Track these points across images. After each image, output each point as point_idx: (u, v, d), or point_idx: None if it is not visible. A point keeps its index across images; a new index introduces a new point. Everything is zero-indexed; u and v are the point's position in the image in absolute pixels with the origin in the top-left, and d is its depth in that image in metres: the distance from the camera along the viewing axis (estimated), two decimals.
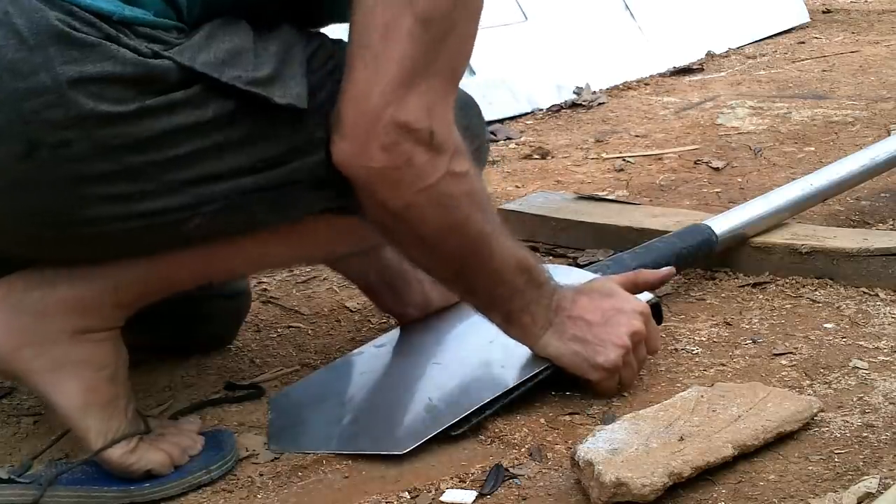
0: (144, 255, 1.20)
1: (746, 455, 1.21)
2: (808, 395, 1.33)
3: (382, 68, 1.15)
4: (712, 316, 1.62)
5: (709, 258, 1.74)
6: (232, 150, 1.15)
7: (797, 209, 1.84)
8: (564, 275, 1.56)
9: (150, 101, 1.10)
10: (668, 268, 1.52)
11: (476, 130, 1.38)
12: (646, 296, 1.48)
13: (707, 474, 1.17)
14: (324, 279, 1.85)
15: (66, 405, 1.20)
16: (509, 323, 1.34)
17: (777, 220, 1.79)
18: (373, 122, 1.15)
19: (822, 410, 1.29)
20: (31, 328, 1.19)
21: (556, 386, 1.41)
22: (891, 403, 1.33)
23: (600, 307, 1.36)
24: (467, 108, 1.37)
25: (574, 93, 3.12)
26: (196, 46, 1.13)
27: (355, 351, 1.52)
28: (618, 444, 1.18)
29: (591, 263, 1.76)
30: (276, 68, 1.16)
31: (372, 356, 1.48)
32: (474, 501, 1.19)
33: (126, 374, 1.25)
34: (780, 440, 1.24)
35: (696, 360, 1.49)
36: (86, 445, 1.21)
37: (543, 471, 1.23)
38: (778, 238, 1.75)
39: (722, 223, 1.73)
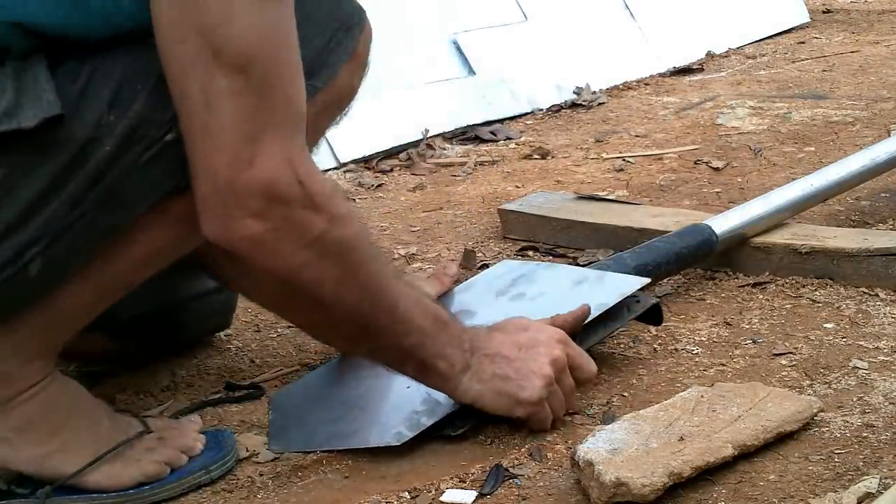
0: (17, 313, 1.14)
1: (746, 455, 1.21)
2: (808, 395, 1.33)
3: (218, 137, 1.07)
4: (712, 316, 1.62)
5: (709, 258, 1.74)
6: (16, 189, 1.08)
7: (797, 209, 1.84)
8: (563, 274, 1.56)
9: None
10: (583, 305, 1.40)
11: (339, 17, 1.28)
12: (649, 300, 1.47)
13: (707, 474, 1.17)
14: None
15: (26, 469, 1.19)
16: (424, 372, 1.27)
17: (777, 220, 1.79)
18: (232, 194, 1.08)
19: (823, 410, 1.29)
20: None
21: None
22: (891, 403, 1.33)
23: (516, 341, 1.29)
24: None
25: (574, 93, 3.12)
26: None
27: None
28: (618, 444, 1.18)
29: (590, 263, 1.77)
30: (14, 91, 1.06)
31: None
32: (474, 501, 1.19)
33: (83, 403, 1.23)
34: (781, 440, 1.24)
35: (696, 360, 1.49)
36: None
37: (543, 471, 1.23)
38: (778, 238, 1.75)
39: (722, 223, 1.73)
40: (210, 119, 1.07)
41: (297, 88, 1.11)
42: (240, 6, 1.06)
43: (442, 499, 1.20)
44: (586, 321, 1.41)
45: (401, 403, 1.33)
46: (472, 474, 1.24)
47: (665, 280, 1.72)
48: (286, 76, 1.10)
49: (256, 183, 1.08)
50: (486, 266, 1.85)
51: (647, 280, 1.50)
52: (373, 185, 2.41)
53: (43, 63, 1.09)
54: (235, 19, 1.06)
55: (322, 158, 2.48)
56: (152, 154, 1.11)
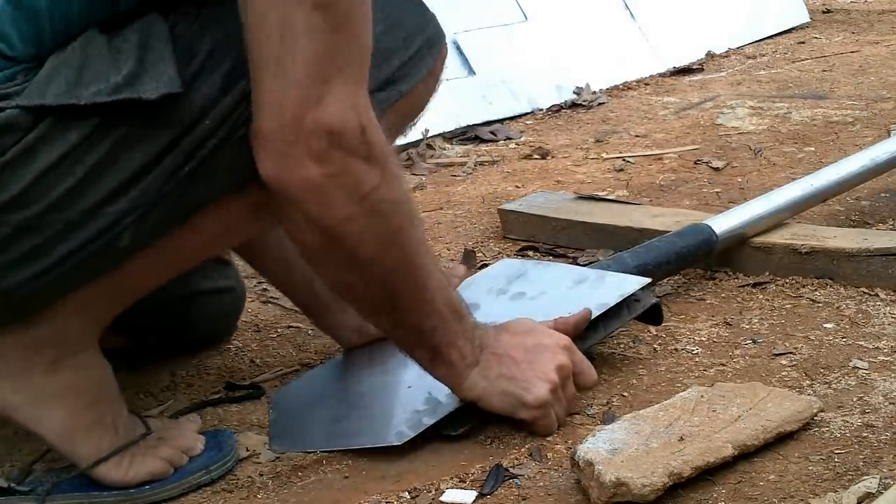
0: (96, 279, 1.16)
1: (746, 455, 1.21)
2: (808, 396, 1.33)
3: (290, 72, 1.06)
4: (712, 316, 1.62)
5: (709, 258, 1.74)
6: (123, 157, 1.09)
7: (797, 209, 1.84)
8: (564, 274, 1.56)
9: (7, 155, 1.06)
10: (584, 308, 1.41)
11: (425, 34, 1.29)
12: (649, 299, 1.47)
13: (707, 474, 1.17)
14: None
15: (50, 436, 1.20)
16: (436, 360, 1.26)
17: (777, 220, 1.79)
18: (296, 132, 1.07)
19: (822, 410, 1.29)
20: (6, 366, 1.17)
21: None
22: (891, 403, 1.33)
23: (523, 344, 1.30)
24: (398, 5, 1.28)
25: (574, 93, 3.12)
26: (43, 81, 1.07)
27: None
28: (618, 444, 1.18)
29: (590, 263, 1.77)
30: (137, 60, 1.07)
31: (371, 351, 1.48)
32: (474, 501, 1.19)
33: (112, 388, 1.24)
34: (781, 440, 1.24)
35: (696, 360, 1.49)
36: (78, 466, 1.21)
37: (543, 471, 1.23)
38: (778, 238, 1.75)
39: (722, 223, 1.73)
40: (284, 52, 1.05)
41: (368, 37, 1.10)
42: None
43: (442, 499, 1.20)
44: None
45: (402, 403, 1.33)
46: (472, 474, 1.24)
47: (665, 280, 1.72)
48: (362, 23, 1.09)
49: (322, 124, 1.07)
50: (486, 266, 1.85)
51: (648, 280, 1.50)
52: None
53: (165, 31, 1.09)
54: None
55: None
56: (244, 133, 1.11)
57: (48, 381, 1.19)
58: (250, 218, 1.21)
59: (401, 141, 2.59)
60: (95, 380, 1.22)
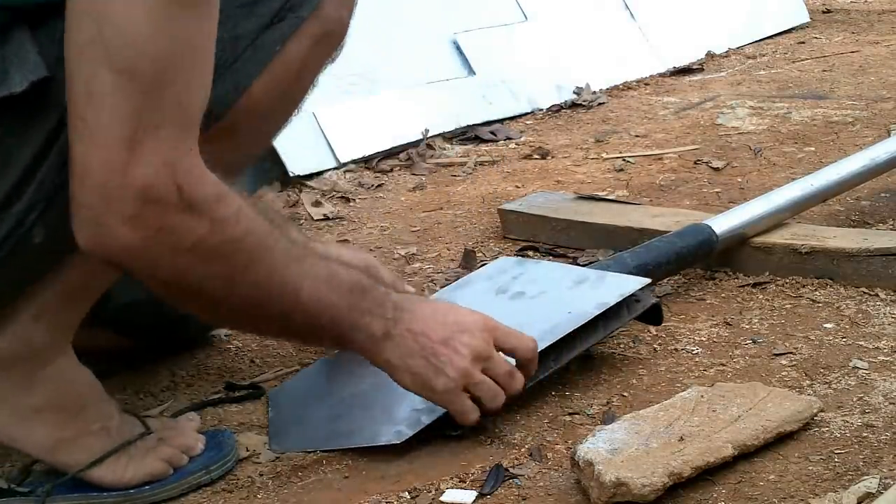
0: (30, 283, 1.14)
1: (746, 455, 1.21)
2: (808, 395, 1.33)
3: (96, 134, 1.01)
4: (712, 316, 1.62)
5: (709, 258, 1.74)
6: (11, 156, 1.07)
7: (797, 209, 1.84)
8: (564, 273, 1.56)
9: None
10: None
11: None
12: (649, 299, 1.47)
13: (707, 474, 1.17)
14: None
15: (35, 452, 1.19)
16: (342, 344, 1.26)
17: (777, 220, 1.79)
18: (105, 199, 1.02)
19: (822, 410, 1.29)
20: None
21: (555, 386, 1.41)
22: (891, 403, 1.33)
23: (442, 321, 1.25)
24: None
25: (574, 93, 3.12)
26: None
27: None
28: (618, 444, 1.18)
29: (590, 263, 1.76)
30: (0, 60, 1.05)
31: None
32: (474, 501, 1.19)
33: (96, 393, 1.24)
34: (781, 440, 1.24)
35: (696, 360, 1.49)
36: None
37: (543, 471, 1.23)
38: (778, 238, 1.75)
39: (722, 223, 1.73)
40: (89, 113, 1.01)
41: (194, 93, 1.05)
42: (142, 6, 1.00)
43: (442, 499, 1.20)
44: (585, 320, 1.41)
45: (400, 401, 1.33)
46: (472, 474, 1.24)
47: (665, 280, 1.72)
48: (181, 81, 1.03)
49: (131, 188, 1.01)
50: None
51: (648, 280, 1.50)
52: (373, 185, 2.41)
53: (25, 29, 1.06)
54: (134, 19, 1.00)
55: (322, 158, 2.48)
56: None
57: (24, 399, 1.18)
58: None
59: (400, 141, 2.60)
60: (75, 389, 1.21)
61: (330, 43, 1.29)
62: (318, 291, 1.17)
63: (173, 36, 1.02)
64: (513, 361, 1.30)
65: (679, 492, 1.15)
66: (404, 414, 1.32)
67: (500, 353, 1.28)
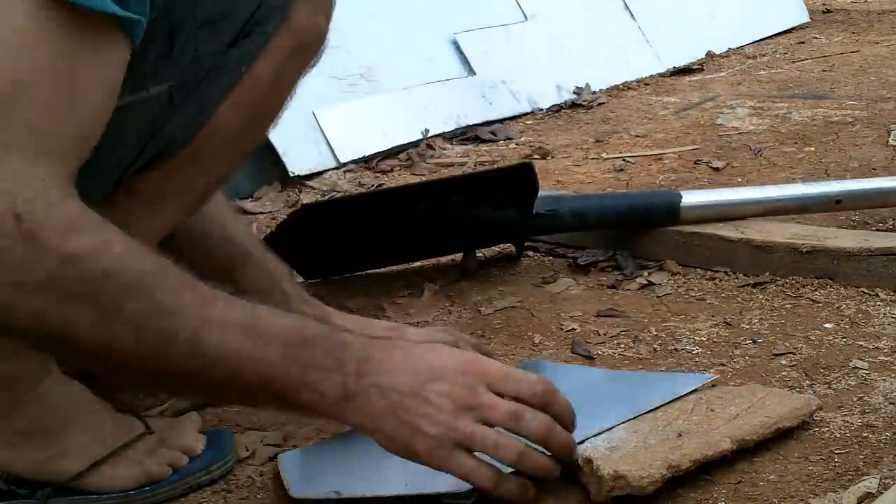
0: None
1: (746, 455, 1.21)
2: (807, 395, 1.33)
3: None
4: (712, 316, 1.62)
5: (669, 224, 1.81)
6: None
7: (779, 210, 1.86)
8: (564, 375, 1.41)
9: None
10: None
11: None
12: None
13: (706, 474, 1.17)
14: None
15: (25, 473, 1.18)
16: (286, 407, 1.06)
17: (753, 212, 1.83)
18: None
19: (821, 408, 1.29)
20: None
21: None
22: (891, 403, 1.33)
23: (413, 369, 1.05)
24: None
25: (574, 93, 3.12)
26: None
27: None
28: (616, 443, 1.18)
29: (591, 263, 1.77)
30: None
31: None
32: (475, 502, 1.19)
33: (84, 404, 1.22)
34: (780, 439, 1.24)
35: (696, 360, 1.49)
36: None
37: None
38: (778, 238, 1.75)
39: (694, 198, 1.82)
40: None
41: (45, 114, 0.95)
42: (8, 27, 0.93)
43: (443, 499, 1.19)
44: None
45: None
46: None
47: (665, 280, 1.73)
48: (24, 102, 0.93)
49: None
50: (486, 265, 1.86)
51: (710, 377, 1.34)
52: (373, 186, 2.41)
53: None
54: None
55: (322, 158, 2.48)
56: None
57: (8, 425, 1.17)
58: None
59: (400, 141, 2.60)
60: (60, 407, 1.19)
61: (305, 54, 1.22)
62: (231, 342, 0.99)
63: (37, 67, 0.94)
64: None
65: (679, 491, 1.15)
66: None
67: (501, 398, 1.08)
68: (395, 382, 1.04)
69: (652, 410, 1.25)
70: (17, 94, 0.93)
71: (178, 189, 1.21)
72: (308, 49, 1.22)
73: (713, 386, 1.32)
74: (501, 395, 1.07)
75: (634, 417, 1.23)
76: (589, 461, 1.15)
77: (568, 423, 1.11)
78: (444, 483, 1.10)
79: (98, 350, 0.97)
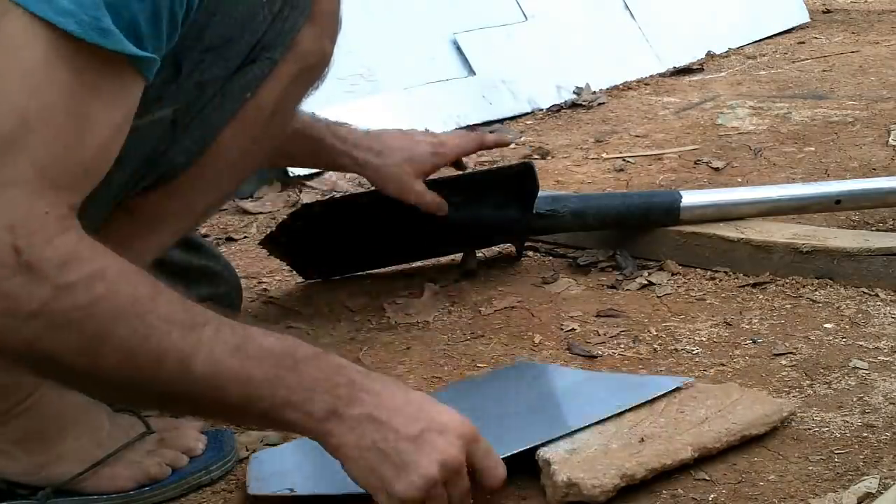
0: None
1: (746, 455, 1.21)
2: (782, 399, 1.32)
3: None
4: (712, 316, 1.62)
5: (668, 224, 1.81)
6: None
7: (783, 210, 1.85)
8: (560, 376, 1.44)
9: None
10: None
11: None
12: None
13: (706, 474, 1.18)
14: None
15: (21, 479, 1.18)
16: (276, 425, 1.09)
17: (755, 212, 1.83)
18: None
19: (793, 414, 1.29)
20: None
21: None
22: (891, 403, 1.33)
23: (415, 415, 1.06)
24: None
25: (574, 93, 3.12)
26: None
27: None
28: (578, 444, 1.18)
29: (591, 263, 1.77)
30: None
31: None
32: None
33: (80, 409, 1.21)
34: (780, 439, 1.24)
35: (696, 360, 1.49)
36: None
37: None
38: (778, 238, 1.75)
39: (693, 198, 1.82)
40: None
41: (52, 150, 0.97)
42: (19, 66, 0.95)
43: None
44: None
45: None
46: None
47: (665, 280, 1.73)
48: (32, 139, 0.95)
49: None
50: (486, 265, 1.86)
51: (686, 380, 1.33)
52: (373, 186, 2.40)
53: None
54: (8, 71, 0.95)
55: None
56: None
57: (2, 434, 1.17)
58: None
59: None
60: (55, 415, 1.19)
61: (309, 78, 1.24)
62: (219, 363, 1.00)
63: (48, 105, 0.96)
64: None
65: (678, 491, 1.15)
66: None
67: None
68: (393, 421, 1.05)
69: (621, 413, 1.24)
70: (26, 131, 0.95)
71: (178, 210, 1.23)
72: (312, 73, 1.23)
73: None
74: (470, 463, 1.07)
75: (601, 421, 1.22)
76: (548, 463, 1.15)
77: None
78: None
79: (87, 373, 0.99)
